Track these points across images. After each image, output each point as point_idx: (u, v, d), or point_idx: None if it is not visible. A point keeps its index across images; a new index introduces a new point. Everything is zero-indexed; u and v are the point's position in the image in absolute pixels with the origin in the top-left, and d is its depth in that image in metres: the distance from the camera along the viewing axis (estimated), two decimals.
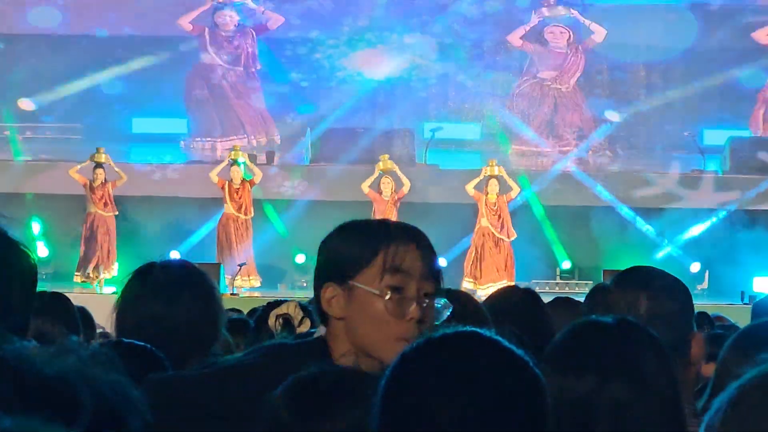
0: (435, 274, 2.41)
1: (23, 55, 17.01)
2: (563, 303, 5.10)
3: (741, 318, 9.46)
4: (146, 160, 17.00)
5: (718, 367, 2.66)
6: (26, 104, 17.09)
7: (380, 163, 16.30)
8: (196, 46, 17.20)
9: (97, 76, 16.93)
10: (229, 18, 17.02)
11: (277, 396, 2.05)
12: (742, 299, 15.42)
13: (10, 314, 1.93)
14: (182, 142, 17.59)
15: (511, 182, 16.28)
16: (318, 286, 2.42)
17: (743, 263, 16.62)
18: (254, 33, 17.38)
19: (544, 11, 17.74)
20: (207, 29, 16.95)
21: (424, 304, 2.35)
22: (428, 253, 2.41)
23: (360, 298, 2.36)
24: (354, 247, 2.39)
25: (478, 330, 1.59)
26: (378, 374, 2.15)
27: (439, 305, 2.39)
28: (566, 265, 17.70)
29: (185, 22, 16.88)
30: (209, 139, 17.59)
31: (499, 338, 1.57)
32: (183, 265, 3.29)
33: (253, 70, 17.22)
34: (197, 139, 17.56)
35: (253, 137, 17.69)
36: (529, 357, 1.55)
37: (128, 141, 17.44)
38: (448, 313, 2.43)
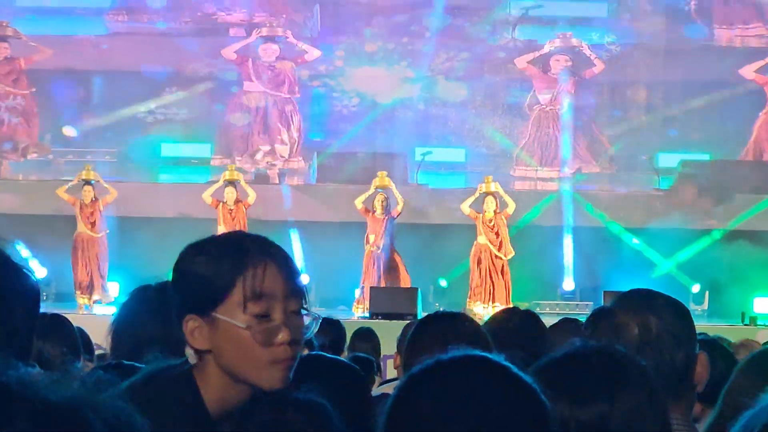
0: (298, 289, 2.28)
1: (70, 87, 18.32)
2: (568, 324, 5.09)
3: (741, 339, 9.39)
4: (172, 181, 18.10)
5: (728, 391, 2.66)
6: (69, 131, 18.40)
7: (376, 180, 16.30)
8: (220, 81, 18.75)
9: (134, 107, 18.36)
10: (272, 51, 18.30)
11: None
12: (743, 320, 15.37)
13: (14, 338, 1.93)
14: (214, 161, 18.33)
15: (507, 199, 16.22)
16: (179, 317, 2.29)
17: (740, 283, 16.62)
18: (293, 64, 18.60)
19: (557, 41, 18.61)
20: (251, 60, 18.17)
21: (294, 325, 2.25)
22: (288, 268, 2.27)
23: (225, 330, 2.24)
24: (209, 275, 2.24)
25: (487, 354, 1.58)
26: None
27: (308, 320, 2.28)
28: (569, 286, 17.68)
29: (230, 52, 18.27)
30: (247, 155, 18.45)
31: (508, 363, 1.57)
32: None
33: (292, 96, 18.43)
34: (236, 156, 18.42)
35: (289, 158, 18.56)
36: (537, 384, 1.55)
37: (157, 164, 18.47)
38: (317, 326, 2.33)
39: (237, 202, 16.27)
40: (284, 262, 2.27)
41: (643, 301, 2.69)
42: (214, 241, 2.32)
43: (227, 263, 2.23)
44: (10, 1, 18.57)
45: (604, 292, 14.33)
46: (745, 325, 15.00)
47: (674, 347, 2.61)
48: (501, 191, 16.21)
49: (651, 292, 2.76)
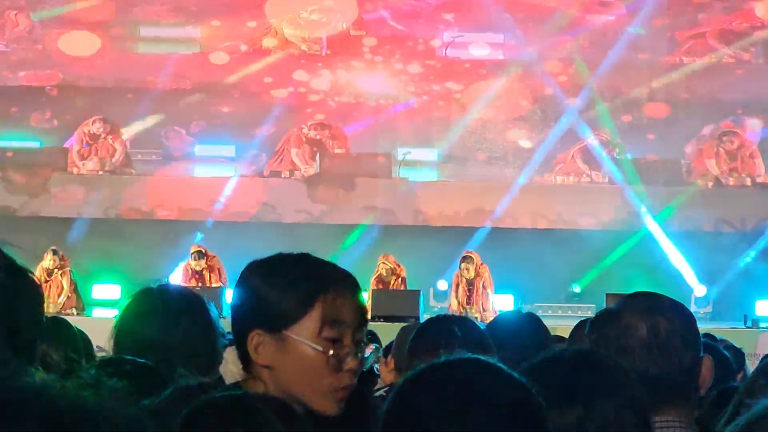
0: (366, 321, 2.35)
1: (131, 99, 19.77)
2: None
3: (745, 342, 9.43)
4: (203, 175, 19.36)
5: (744, 389, 2.64)
6: (125, 134, 20.07)
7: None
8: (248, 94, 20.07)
9: (176, 116, 20.04)
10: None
11: (181, 419, 2.05)
12: (745, 322, 15.35)
13: (17, 339, 1.94)
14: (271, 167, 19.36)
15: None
16: (242, 331, 2.31)
17: (744, 286, 16.62)
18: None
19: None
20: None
21: (359, 354, 2.30)
22: (361, 299, 2.34)
23: (294, 349, 2.27)
24: (287, 295, 2.27)
25: (481, 357, 1.59)
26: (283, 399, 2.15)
27: (368, 352, 2.33)
28: (576, 289, 17.65)
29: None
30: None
31: (501, 365, 1.58)
32: (180, 290, 3.28)
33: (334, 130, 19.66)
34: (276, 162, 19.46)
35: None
36: (531, 384, 1.56)
37: (192, 161, 19.76)
38: (376, 358, 2.40)
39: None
40: (358, 292, 2.34)
41: (650, 302, 2.67)
42: (290, 261, 2.35)
43: (309, 284, 2.28)
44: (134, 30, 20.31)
45: (607, 294, 14.31)
46: (748, 327, 14.98)
47: (682, 350, 2.59)
48: (477, 263, 15.80)
49: (656, 294, 2.74)
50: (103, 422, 1.07)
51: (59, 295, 15.85)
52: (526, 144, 19.54)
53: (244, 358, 2.32)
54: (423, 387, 1.59)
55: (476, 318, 14.25)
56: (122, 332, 3.10)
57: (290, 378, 2.27)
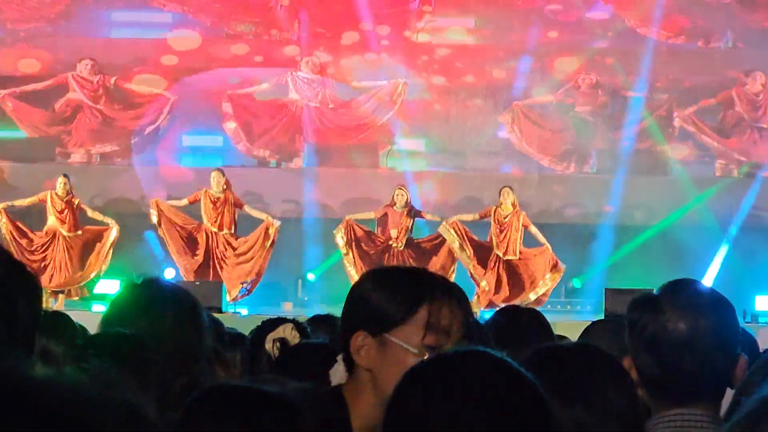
0: (469, 334, 2.38)
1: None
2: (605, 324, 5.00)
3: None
4: (191, 165, 19.54)
5: (740, 387, 2.63)
6: None
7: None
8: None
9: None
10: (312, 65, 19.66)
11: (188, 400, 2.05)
12: (744, 318, 15.35)
13: (16, 332, 1.94)
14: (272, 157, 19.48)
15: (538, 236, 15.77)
16: (347, 332, 2.36)
17: (742, 280, 16.63)
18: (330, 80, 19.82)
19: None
20: (291, 75, 19.55)
21: None
22: (467, 310, 2.38)
23: (394, 353, 2.32)
24: (393, 299, 2.33)
25: (488, 350, 1.59)
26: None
27: None
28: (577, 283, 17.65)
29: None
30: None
31: (508, 359, 1.57)
32: (166, 284, 3.27)
33: (330, 106, 19.64)
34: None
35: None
36: (537, 380, 1.55)
37: (179, 152, 20.00)
38: None
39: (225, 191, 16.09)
40: (465, 303, 2.39)
41: (693, 298, 2.59)
42: (402, 270, 2.49)
43: (415, 290, 2.34)
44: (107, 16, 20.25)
45: (606, 289, 14.30)
46: (747, 322, 14.98)
47: (718, 351, 2.54)
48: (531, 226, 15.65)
49: (700, 288, 2.66)
50: (105, 414, 1.07)
51: (70, 220, 15.83)
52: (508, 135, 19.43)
53: (348, 361, 2.36)
54: (426, 378, 1.58)
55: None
56: (109, 326, 3.08)
57: (388, 381, 2.27)
